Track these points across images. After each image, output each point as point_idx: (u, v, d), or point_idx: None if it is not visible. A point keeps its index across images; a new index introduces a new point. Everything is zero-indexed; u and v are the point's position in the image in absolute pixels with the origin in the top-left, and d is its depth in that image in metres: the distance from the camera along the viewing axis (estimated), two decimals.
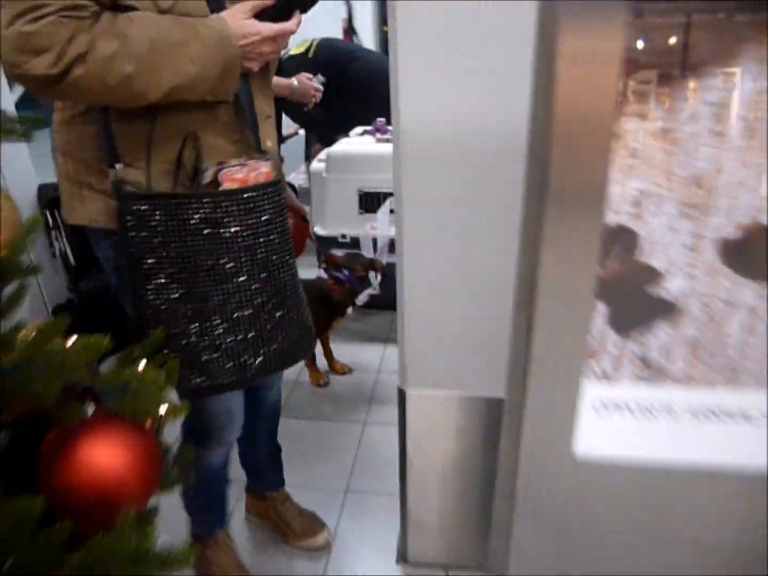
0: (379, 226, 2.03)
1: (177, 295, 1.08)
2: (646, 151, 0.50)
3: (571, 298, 0.56)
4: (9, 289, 0.64)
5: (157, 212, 1.02)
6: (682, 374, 0.57)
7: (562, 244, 0.54)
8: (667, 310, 0.55)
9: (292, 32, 1.02)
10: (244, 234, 1.08)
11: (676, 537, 0.65)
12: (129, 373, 0.70)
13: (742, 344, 0.55)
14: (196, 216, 1.03)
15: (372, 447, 1.87)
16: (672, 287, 0.54)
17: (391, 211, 2.02)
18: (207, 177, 1.06)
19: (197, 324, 1.10)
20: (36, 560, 0.61)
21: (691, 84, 0.48)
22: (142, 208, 1.01)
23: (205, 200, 1.03)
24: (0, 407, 0.65)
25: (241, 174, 1.09)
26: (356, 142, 2.06)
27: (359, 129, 2.15)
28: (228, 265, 1.08)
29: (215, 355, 1.12)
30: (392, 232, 2.01)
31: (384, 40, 4.84)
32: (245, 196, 1.07)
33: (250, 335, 1.14)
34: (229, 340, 1.13)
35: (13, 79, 0.91)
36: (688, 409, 0.58)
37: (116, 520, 0.63)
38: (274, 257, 1.15)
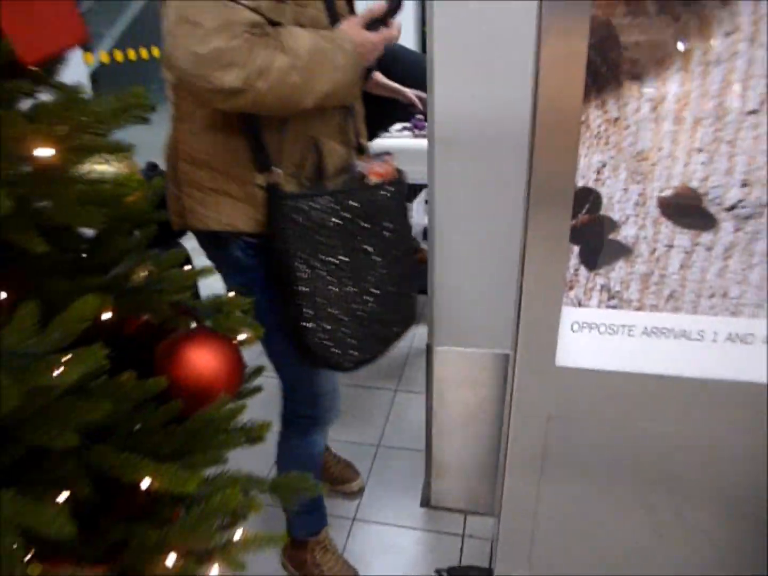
0: (414, 214, 2.24)
1: (328, 281, 1.11)
2: (605, 134, 0.70)
3: (552, 243, 0.76)
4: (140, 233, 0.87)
5: (318, 207, 1.05)
6: (636, 301, 0.77)
7: (546, 203, 0.74)
8: (624, 251, 0.74)
9: (396, 38, 1.06)
10: (385, 221, 1.15)
11: (640, 434, 0.84)
12: (222, 299, 0.93)
13: (680, 278, 0.74)
14: (349, 207, 1.09)
15: (401, 411, 2.09)
16: (627, 234, 0.74)
17: (426, 202, 2.23)
18: (357, 173, 1.13)
19: (348, 305, 1.14)
20: (155, 426, 0.83)
21: (636, 84, 0.67)
22: (311, 204, 1.04)
23: (361, 193, 1.10)
24: (128, 316, 0.88)
25: (382, 168, 1.17)
26: (395, 138, 2.28)
27: (399, 126, 2.37)
28: (372, 249, 1.14)
29: (364, 331, 1.18)
30: (425, 221, 2.22)
31: (424, 39, 5.04)
32: (390, 187, 1.14)
33: (389, 311, 1.21)
34: (375, 317, 1.18)
35: (194, 90, 0.92)
36: (642, 329, 0.78)
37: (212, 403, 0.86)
38: (404, 240, 1.22)
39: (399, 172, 1.18)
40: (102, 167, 0.76)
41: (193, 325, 0.94)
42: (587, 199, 0.73)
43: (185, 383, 0.88)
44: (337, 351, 1.15)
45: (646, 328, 0.78)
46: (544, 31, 0.66)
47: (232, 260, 1.13)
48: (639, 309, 0.77)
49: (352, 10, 1.11)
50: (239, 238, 1.09)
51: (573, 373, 0.81)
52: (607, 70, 0.67)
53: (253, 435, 0.86)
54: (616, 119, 0.69)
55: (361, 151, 1.19)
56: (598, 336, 0.79)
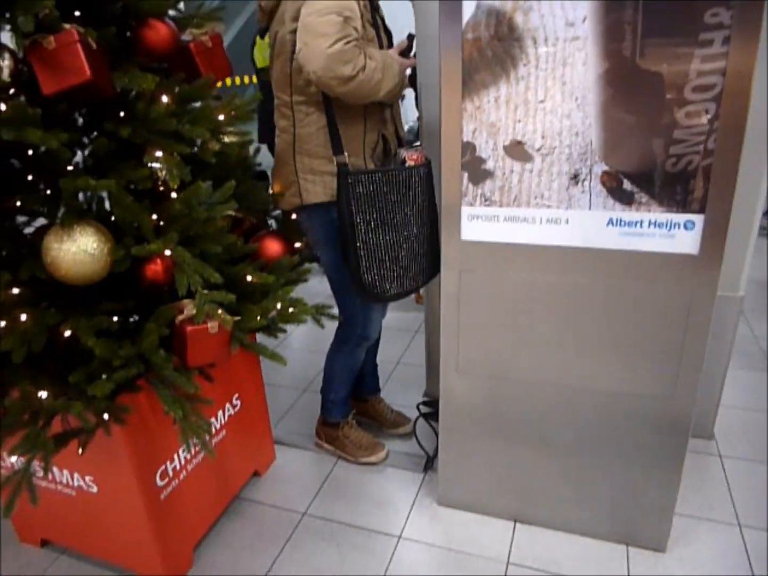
0: None
1: (378, 234, 1.54)
2: (474, 114, 1.42)
3: (453, 172, 1.48)
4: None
5: (374, 181, 1.52)
6: (498, 202, 1.47)
7: (448, 150, 1.46)
8: (489, 174, 1.45)
9: (414, 65, 1.67)
10: (418, 193, 1.60)
11: (507, 274, 1.53)
12: (285, 218, 1.71)
13: (518, 188, 1.44)
14: (394, 182, 1.56)
15: (419, 342, 2.78)
16: (489, 165, 1.45)
17: None
18: (400, 157, 1.63)
19: (390, 252, 1.59)
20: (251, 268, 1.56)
21: (486, 89, 1.39)
22: (367, 179, 1.52)
23: (400, 172, 1.58)
24: (244, 217, 1.65)
25: (416, 155, 1.62)
26: None
27: None
28: (408, 214, 1.58)
29: (401, 271, 1.63)
30: None
31: None
32: (421, 169, 1.62)
33: (418, 260, 1.67)
34: (407, 263, 1.64)
35: (323, 79, 1.39)
36: (503, 218, 1.48)
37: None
38: (429, 210, 1.67)
39: (427, 158, 1.67)
40: (233, 137, 1.56)
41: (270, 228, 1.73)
42: (468, 147, 1.45)
43: (265, 253, 1.66)
44: (380, 285, 1.62)
45: (505, 217, 1.48)
46: (443, 64, 1.40)
47: (326, 221, 1.63)
48: (500, 206, 1.47)
49: (390, 43, 1.67)
50: (334, 204, 1.60)
51: (470, 244, 1.52)
52: (471, 82, 1.39)
53: (299, 277, 1.61)
54: (479, 106, 1.41)
55: (399, 137, 1.74)
56: (482, 222, 1.50)
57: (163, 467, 1.54)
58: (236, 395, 1.81)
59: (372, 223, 1.54)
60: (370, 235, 1.56)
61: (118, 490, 1.50)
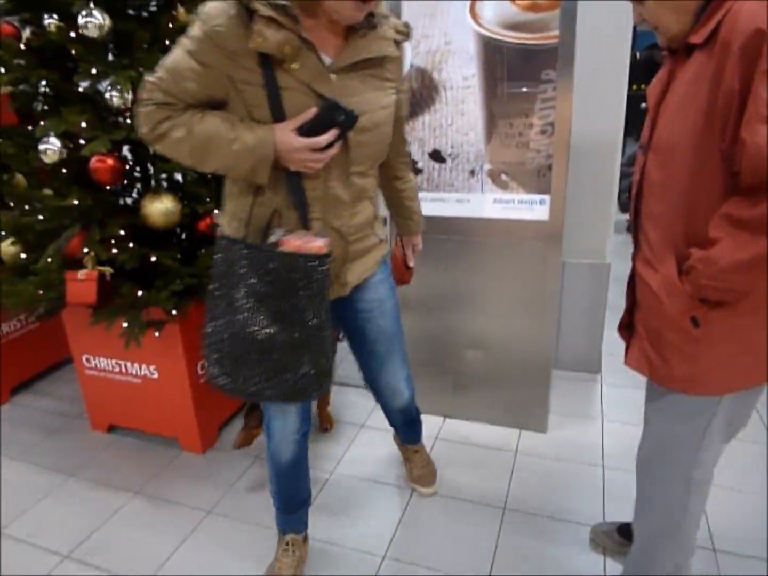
0: None
1: (223, 314, 1.29)
2: (411, 133, 2.24)
3: None
4: None
5: (222, 250, 1.30)
6: (425, 189, 2.27)
7: None
8: (420, 171, 2.26)
9: (320, 145, 1.19)
10: (286, 288, 1.23)
11: (437, 234, 2.32)
12: None
13: (438, 179, 2.25)
14: (243, 262, 1.24)
15: None
16: (420, 165, 2.26)
17: None
18: (273, 238, 1.29)
19: (226, 336, 1.30)
20: None
21: (422, 115, 2.22)
22: (227, 247, 1.29)
23: (265, 254, 1.23)
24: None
25: (299, 242, 1.27)
26: None
27: None
28: (249, 305, 1.25)
29: (232, 364, 1.30)
30: None
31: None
32: (300, 260, 1.23)
33: (266, 364, 1.28)
34: (247, 359, 1.28)
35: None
36: (429, 199, 2.28)
37: None
38: (297, 312, 1.26)
39: (320, 254, 1.25)
40: None
41: None
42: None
43: None
44: (210, 367, 1.35)
45: (430, 198, 2.29)
46: None
47: None
48: (427, 192, 2.28)
49: (326, 112, 1.17)
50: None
51: None
52: (413, 111, 2.21)
53: None
54: (413, 128, 2.23)
55: (339, 233, 1.35)
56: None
57: (202, 361, 2.30)
58: None
59: (217, 291, 1.32)
60: (215, 309, 1.34)
61: (173, 375, 2.26)
